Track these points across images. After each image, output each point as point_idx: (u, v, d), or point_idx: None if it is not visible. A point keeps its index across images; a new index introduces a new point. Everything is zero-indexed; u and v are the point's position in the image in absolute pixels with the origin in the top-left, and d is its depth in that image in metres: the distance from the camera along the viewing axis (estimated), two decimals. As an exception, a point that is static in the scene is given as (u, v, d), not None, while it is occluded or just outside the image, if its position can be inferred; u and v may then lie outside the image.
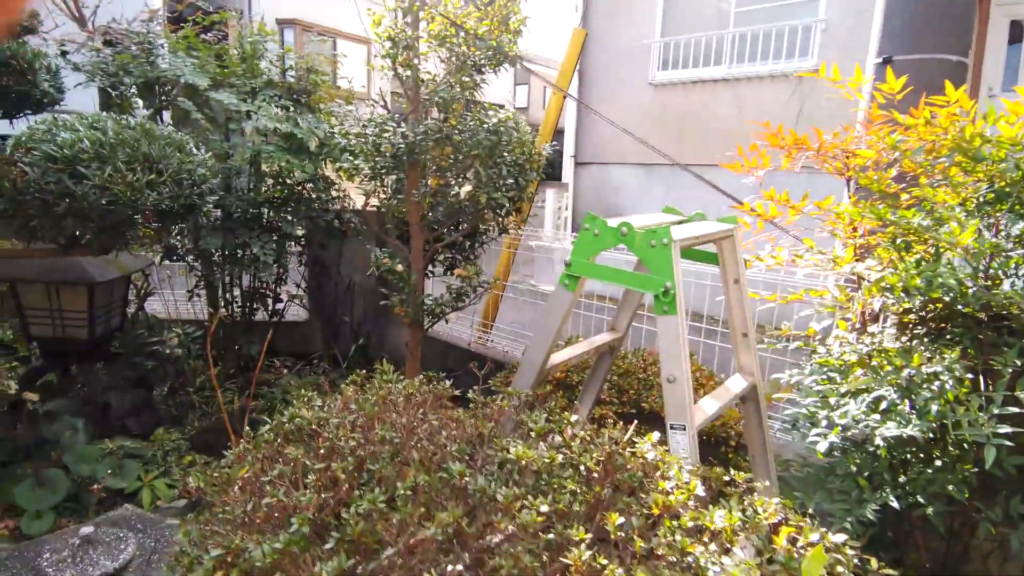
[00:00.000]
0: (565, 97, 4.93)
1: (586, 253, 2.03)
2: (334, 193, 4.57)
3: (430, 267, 4.06)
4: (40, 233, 2.75)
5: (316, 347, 5.10)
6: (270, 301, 4.62)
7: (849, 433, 2.07)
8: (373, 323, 5.16)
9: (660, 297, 1.83)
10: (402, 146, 3.42)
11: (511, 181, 3.48)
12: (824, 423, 2.13)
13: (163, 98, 4.07)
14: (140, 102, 4.24)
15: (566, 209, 10.55)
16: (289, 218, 4.43)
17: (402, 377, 2.04)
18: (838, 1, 7.41)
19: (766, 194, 2.74)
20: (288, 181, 4.43)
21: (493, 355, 4.47)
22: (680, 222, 2.32)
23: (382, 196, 3.63)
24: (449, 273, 4.19)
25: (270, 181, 4.42)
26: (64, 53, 3.80)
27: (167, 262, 4.33)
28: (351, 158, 3.67)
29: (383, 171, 3.57)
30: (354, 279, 5.08)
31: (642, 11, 8.95)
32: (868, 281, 2.42)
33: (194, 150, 2.91)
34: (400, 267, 3.48)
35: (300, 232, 4.65)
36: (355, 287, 5.08)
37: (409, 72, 3.38)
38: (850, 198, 2.83)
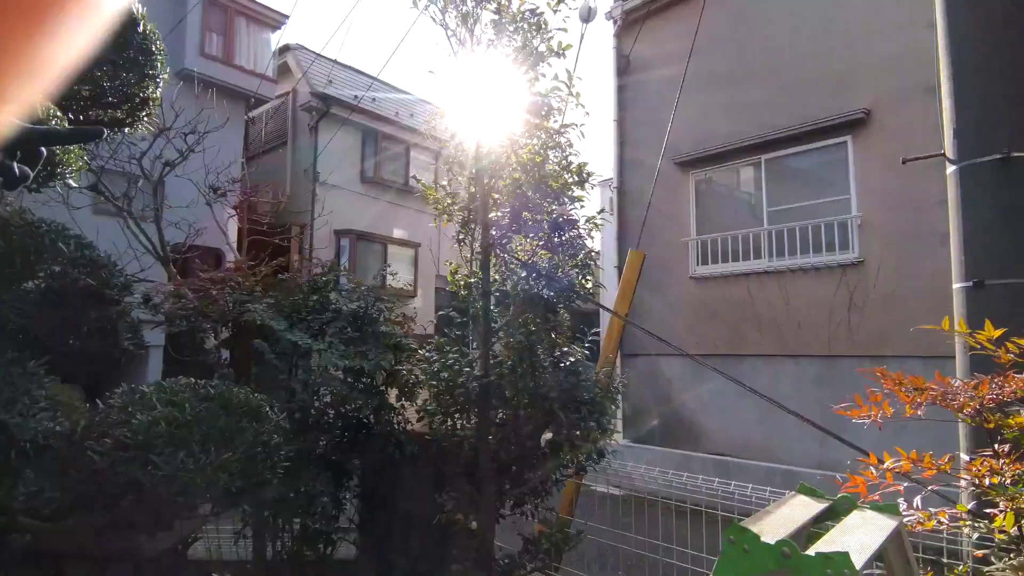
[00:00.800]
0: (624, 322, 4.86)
1: (734, 572, 1.69)
2: (394, 421, 4.38)
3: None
4: (97, 516, 2.53)
5: (366, 592, 4.53)
6: (321, 546, 4.20)
7: None
8: (431, 561, 4.62)
9: (851, 650, 1.44)
10: (476, 388, 3.27)
11: (592, 424, 3.24)
12: None
13: (234, 336, 4.12)
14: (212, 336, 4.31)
15: (614, 398, 10.20)
16: (347, 449, 4.22)
17: None
18: (870, 199, 7.65)
19: (905, 454, 2.42)
20: (347, 410, 4.28)
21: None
22: (825, 514, 1.99)
23: (453, 437, 3.41)
24: (516, 512, 3.79)
25: (331, 412, 4.28)
26: (147, 300, 3.94)
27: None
28: (423, 397, 3.53)
29: (455, 412, 3.39)
30: (411, 512, 4.66)
31: (676, 211, 9.37)
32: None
33: (269, 414, 2.77)
34: (474, 524, 3.12)
35: (356, 465, 4.38)
36: (413, 521, 4.64)
37: (483, 316, 3.35)
38: (995, 450, 2.50)
